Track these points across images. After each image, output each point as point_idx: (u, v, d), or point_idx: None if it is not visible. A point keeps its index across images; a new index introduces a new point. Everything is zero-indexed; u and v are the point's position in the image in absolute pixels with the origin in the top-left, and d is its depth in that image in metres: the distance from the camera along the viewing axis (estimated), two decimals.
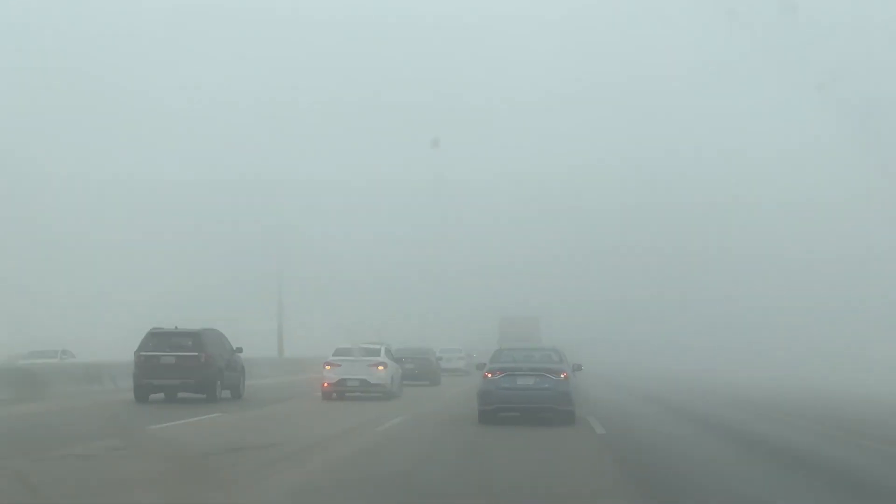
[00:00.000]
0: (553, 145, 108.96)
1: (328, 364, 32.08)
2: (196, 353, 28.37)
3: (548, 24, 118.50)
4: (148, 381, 28.30)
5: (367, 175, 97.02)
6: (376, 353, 32.72)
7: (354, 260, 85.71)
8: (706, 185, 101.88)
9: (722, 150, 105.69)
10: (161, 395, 28.82)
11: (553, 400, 22.86)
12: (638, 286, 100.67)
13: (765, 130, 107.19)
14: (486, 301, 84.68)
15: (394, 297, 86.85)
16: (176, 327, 29.54)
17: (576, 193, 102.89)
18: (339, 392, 31.60)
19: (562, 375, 23.03)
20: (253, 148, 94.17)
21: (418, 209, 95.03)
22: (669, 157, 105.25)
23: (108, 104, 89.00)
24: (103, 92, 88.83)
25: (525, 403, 23.17)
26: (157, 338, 28.86)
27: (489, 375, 23.31)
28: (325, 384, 31.72)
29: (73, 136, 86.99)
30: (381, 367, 31.89)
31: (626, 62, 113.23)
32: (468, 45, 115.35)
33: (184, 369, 28.17)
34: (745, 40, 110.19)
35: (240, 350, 31.53)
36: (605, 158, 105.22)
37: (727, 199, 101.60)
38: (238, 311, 57.36)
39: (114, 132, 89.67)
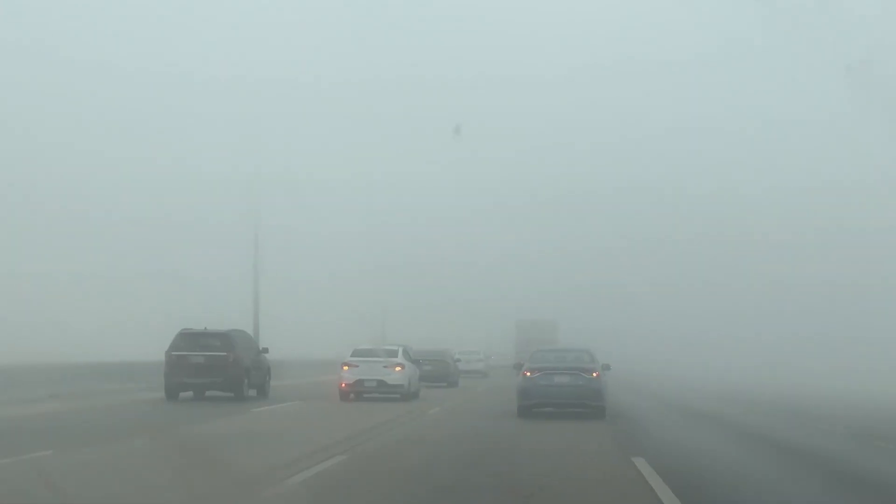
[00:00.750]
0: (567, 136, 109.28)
1: (346, 364, 32.29)
2: (224, 353, 29.67)
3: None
4: (178, 379, 29.60)
5: (372, 173, 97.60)
6: (394, 354, 33.10)
7: (356, 261, 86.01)
8: (722, 174, 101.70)
9: (744, 133, 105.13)
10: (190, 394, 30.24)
11: (586, 396, 25.15)
12: (647, 286, 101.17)
13: (789, 113, 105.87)
14: (498, 303, 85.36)
15: (399, 299, 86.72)
16: (205, 328, 30.82)
17: (582, 192, 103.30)
18: (357, 393, 31.82)
19: (594, 374, 25.34)
20: (251, 142, 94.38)
21: (423, 209, 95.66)
22: (690, 141, 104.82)
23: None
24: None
25: (561, 399, 25.46)
26: (187, 338, 30.17)
27: (528, 374, 25.60)
28: (343, 384, 31.95)
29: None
30: (398, 369, 32.16)
31: (647, 44, 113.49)
32: (483, 40, 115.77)
33: (212, 368, 29.49)
34: (775, 20, 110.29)
35: (265, 350, 33.09)
36: (623, 141, 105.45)
37: (741, 190, 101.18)
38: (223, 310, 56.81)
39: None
